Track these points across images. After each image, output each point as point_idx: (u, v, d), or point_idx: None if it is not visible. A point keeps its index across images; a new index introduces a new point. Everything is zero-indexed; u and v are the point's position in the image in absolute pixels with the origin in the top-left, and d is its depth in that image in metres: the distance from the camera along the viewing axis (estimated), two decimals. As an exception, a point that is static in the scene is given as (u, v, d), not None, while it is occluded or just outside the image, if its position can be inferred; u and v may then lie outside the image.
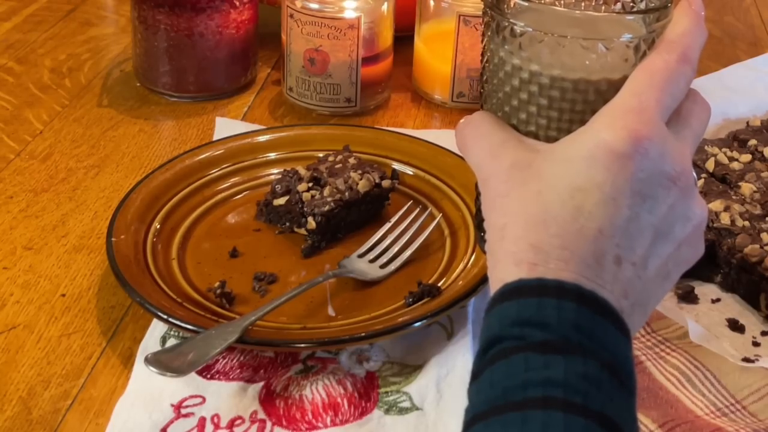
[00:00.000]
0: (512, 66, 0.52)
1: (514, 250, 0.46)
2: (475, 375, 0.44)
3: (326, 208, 0.75)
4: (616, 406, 0.42)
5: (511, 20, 0.51)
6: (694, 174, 0.50)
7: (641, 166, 0.46)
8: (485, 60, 0.55)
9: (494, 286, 0.47)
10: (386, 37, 0.97)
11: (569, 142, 0.49)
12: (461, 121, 0.54)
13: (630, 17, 0.51)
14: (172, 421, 0.61)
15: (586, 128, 0.48)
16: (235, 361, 0.66)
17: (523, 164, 0.49)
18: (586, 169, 0.47)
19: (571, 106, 0.51)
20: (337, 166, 0.80)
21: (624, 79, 0.50)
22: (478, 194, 0.54)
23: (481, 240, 0.55)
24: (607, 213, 0.46)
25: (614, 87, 0.50)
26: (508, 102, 0.53)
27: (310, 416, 0.62)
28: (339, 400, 0.64)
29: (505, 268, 0.47)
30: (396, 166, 0.84)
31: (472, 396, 0.44)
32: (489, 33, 0.54)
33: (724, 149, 0.85)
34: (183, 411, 0.62)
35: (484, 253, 0.52)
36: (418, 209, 0.80)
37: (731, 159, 0.84)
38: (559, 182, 0.47)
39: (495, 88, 0.54)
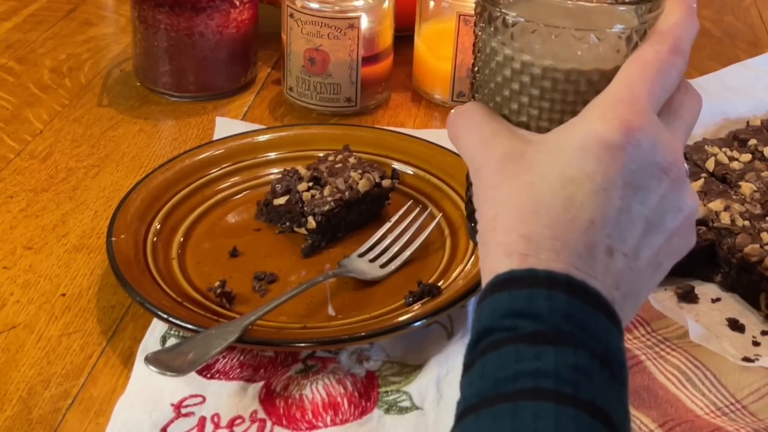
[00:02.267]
0: (504, 56, 0.52)
1: (505, 241, 0.46)
2: (467, 367, 0.44)
3: (326, 207, 0.75)
4: (607, 397, 0.42)
5: (503, 10, 0.51)
6: (686, 165, 0.49)
7: (633, 157, 0.46)
8: (477, 50, 0.55)
9: (485, 276, 0.47)
10: (386, 37, 0.97)
11: (561, 132, 0.49)
12: (453, 111, 0.54)
13: (622, 8, 0.51)
14: (172, 421, 0.61)
15: (578, 119, 0.48)
16: (235, 360, 0.66)
17: (515, 155, 0.49)
18: (578, 159, 0.46)
19: (563, 96, 0.51)
20: (337, 165, 0.80)
21: (616, 69, 0.50)
22: (469, 185, 0.54)
23: (472, 230, 0.54)
24: (599, 204, 0.46)
25: (606, 78, 0.50)
26: (500, 92, 0.53)
27: (310, 416, 0.62)
28: (339, 399, 0.64)
29: (496, 258, 0.47)
30: (396, 165, 0.84)
31: (463, 388, 0.44)
32: (481, 23, 0.53)
33: (724, 149, 0.85)
34: (183, 410, 0.62)
35: (475, 243, 0.51)
36: (418, 209, 0.80)
37: (731, 159, 0.84)
38: (550, 173, 0.47)
39: (487, 79, 0.54)
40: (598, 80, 0.50)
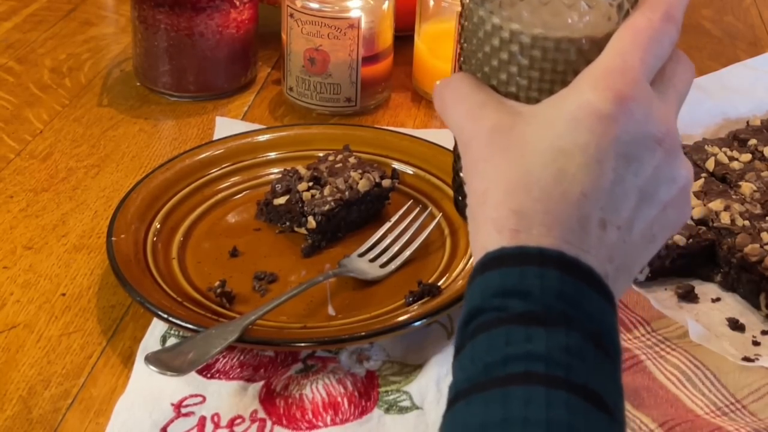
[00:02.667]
0: (492, 25, 0.50)
1: (496, 216, 0.45)
2: (458, 349, 0.44)
3: (326, 207, 0.75)
4: (599, 378, 0.41)
5: None
6: (679, 136, 0.48)
7: (626, 128, 0.45)
8: (464, 19, 0.53)
9: (476, 253, 0.46)
10: (386, 37, 0.97)
11: (552, 103, 0.47)
12: (439, 82, 0.52)
13: None
14: (172, 421, 0.61)
15: (569, 89, 0.47)
16: (235, 360, 0.66)
17: (505, 127, 0.48)
18: (569, 131, 0.45)
19: (553, 66, 0.49)
20: (338, 165, 0.80)
21: (607, 38, 0.48)
22: (456, 157, 0.53)
23: (460, 205, 0.53)
24: (591, 176, 0.45)
25: (597, 46, 0.48)
26: (488, 62, 0.51)
27: (311, 415, 0.62)
28: (339, 399, 0.64)
29: (486, 234, 0.46)
30: (396, 165, 0.84)
31: (455, 372, 0.43)
32: None
33: (724, 149, 0.85)
34: (183, 410, 0.62)
35: (463, 217, 0.50)
36: (418, 209, 0.80)
37: (731, 159, 0.84)
38: (541, 145, 0.46)
39: (474, 49, 0.52)
40: (589, 49, 0.49)
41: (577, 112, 0.46)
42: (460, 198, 0.52)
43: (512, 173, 0.46)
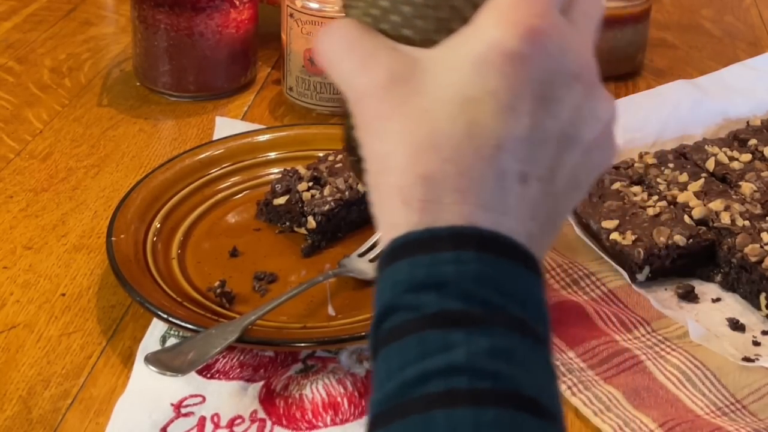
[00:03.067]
0: None
1: (401, 185, 0.40)
2: (373, 353, 0.39)
3: (326, 207, 0.75)
4: (531, 376, 0.37)
5: None
6: (598, 68, 0.43)
7: (540, 66, 0.40)
8: None
9: (383, 230, 0.41)
10: (386, 37, 0.97)
11: (454, 45, 0.41)
12: (321, 31, 0.45)
13: None
14: (172, 421, 0.61)
15: (472, 28, 0.41)
16: (235, 360, 0.66)
17: (403, 77, 0.41)
18: (477, 75, 0.40)
19: (449, 1, 0.42)
20: (338, 165, 0.80)
21: None
22: (347, 116, 0.45)
23: (356, 167, 0.46)
24: (506, 125, 0.39)
25: None
26: (376, 4, 0.44)
27: (310, 415, 0.62)
28: (339, 399, 0.64)
29: (392, 208, 0.40)
30: (396, 165, 0.84)
31: (373, 385, 0.38)
32: None
33: (724, 149, 0.85)
34: (183, 410, 0.62)
35: (361, 181, 0.45)
36: (418, 209, 0.80)
37: (731, 159, 0.84)
38: (446, 95, 0.40)
39: None
40: None
41: (486, 54, 0.40)
42: (354, 159, 0.46)
43: (416, 131, 0.40)
